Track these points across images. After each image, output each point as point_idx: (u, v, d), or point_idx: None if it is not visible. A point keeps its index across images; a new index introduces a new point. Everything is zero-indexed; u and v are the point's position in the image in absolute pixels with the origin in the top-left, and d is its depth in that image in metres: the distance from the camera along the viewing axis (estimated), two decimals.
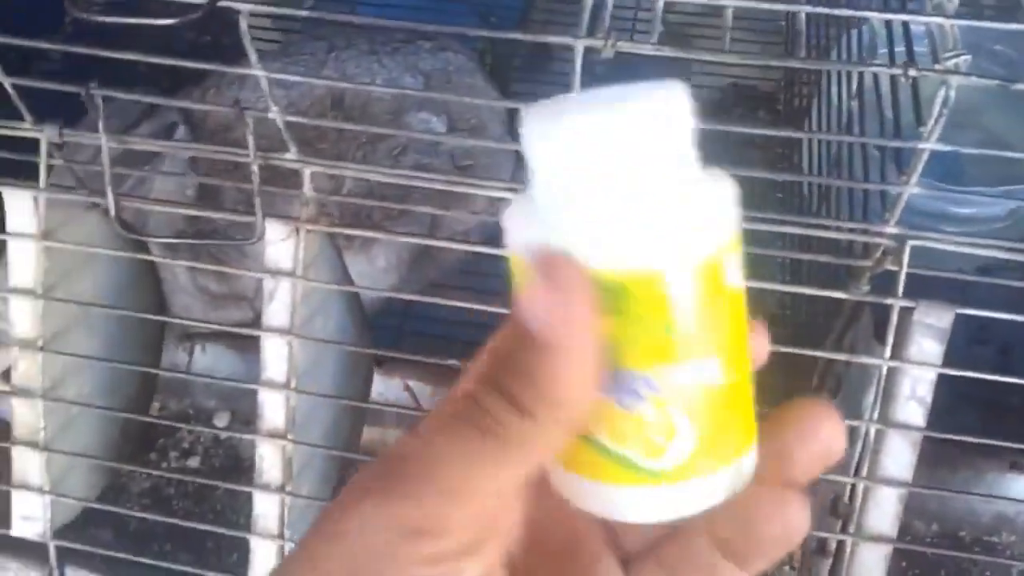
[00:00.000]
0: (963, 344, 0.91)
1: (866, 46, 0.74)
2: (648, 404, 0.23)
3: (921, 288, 0.55)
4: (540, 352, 0.23)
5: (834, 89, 0.80)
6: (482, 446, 0.23)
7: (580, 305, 0.22)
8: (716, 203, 0.23)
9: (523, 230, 0.24)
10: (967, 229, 0.86)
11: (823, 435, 0.25)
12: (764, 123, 1.33)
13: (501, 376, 0.24)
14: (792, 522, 0.25)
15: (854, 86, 0.69)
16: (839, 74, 0.76)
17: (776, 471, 0.25)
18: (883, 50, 0.58)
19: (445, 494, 0.23)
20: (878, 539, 0.55)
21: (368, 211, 0.69)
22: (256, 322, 0.62)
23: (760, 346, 0.26)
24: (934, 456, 0.78)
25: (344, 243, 0.72)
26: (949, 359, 0.53)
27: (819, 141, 0.83)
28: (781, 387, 0.87)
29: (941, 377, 0.53)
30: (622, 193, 0.22)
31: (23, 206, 0.60)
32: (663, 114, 0.23)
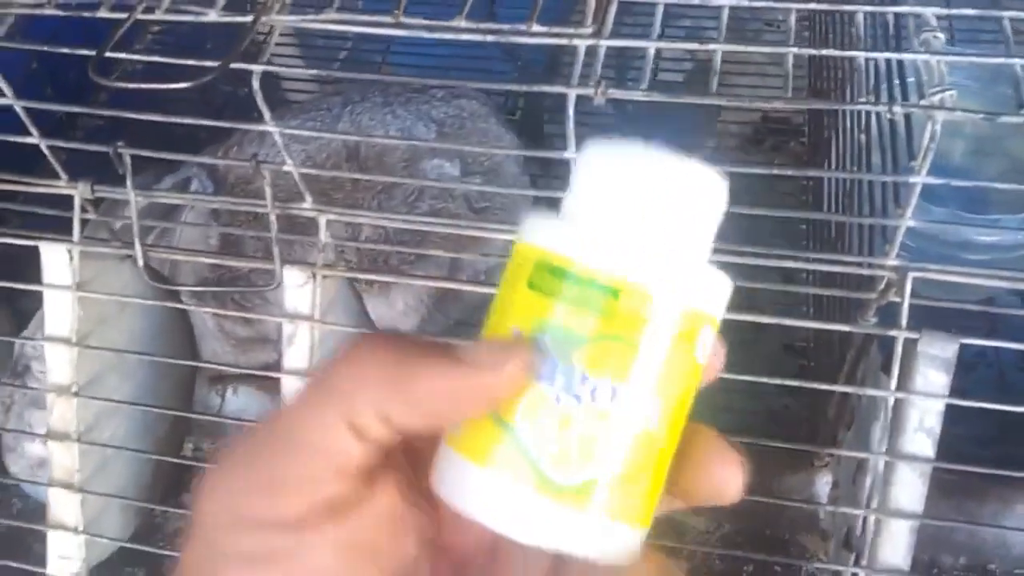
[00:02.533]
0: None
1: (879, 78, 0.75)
2: (583, 410, 0.23)
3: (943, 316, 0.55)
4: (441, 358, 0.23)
5: (849, 122, 0.80)
6: (314, 400, 0.23)
7: (512, 367, 0.23)
8: (716, 278, 0.25)
9: (544, 228, 0.25)
10: (990, 256, 0.85)
11: (717, 477, 0.24)
12: (794, 154, 1.34)
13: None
14: None
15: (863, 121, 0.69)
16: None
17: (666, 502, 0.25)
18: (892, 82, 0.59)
19: (276, 450, 0.23)
20: (891, 571, 0.55)
21: (386, 255, 0.71)
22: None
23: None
24: (962, 487, 0.77)
25: (363, 287, 0.74)
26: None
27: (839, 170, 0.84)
28: (807, 417, 0.87)
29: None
30: (650, 223, 0.24)
31: (59, 259, 0.64)
32: (708, 190, 0.25)
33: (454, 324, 0.92)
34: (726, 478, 0.24)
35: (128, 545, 0.72)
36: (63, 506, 0.67)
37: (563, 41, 0.49)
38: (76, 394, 0.65)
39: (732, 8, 0.50)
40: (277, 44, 0.54)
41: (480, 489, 0.24)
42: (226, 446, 0.24)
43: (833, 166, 0.86)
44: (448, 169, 0.75)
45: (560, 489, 0.23)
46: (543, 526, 0.23)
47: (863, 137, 0.69)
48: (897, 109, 0.45)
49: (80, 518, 0.66)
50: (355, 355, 0.24)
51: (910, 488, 0.55)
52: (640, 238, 0.24)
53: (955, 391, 0.54)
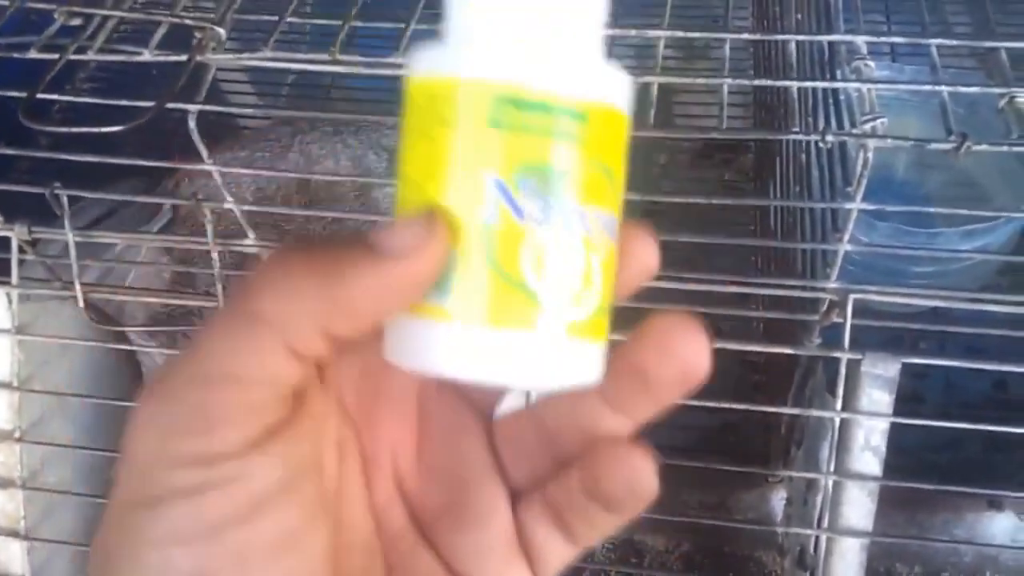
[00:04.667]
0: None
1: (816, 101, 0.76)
2: (580, 243, 0.22)
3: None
4: (368, 253, 0.22)
5: (791, 141, 0.81)
6: (246, 330, 0.22)
7: (437, 245, 0.21)
8: (625, 78, 0.23)
9: (490, 58, 0.22)
10: (936, 268, 0.87)
11: (682, 352, 0.23)
12: (743, 168, 1.36)
13: (295, 253, 0.22)
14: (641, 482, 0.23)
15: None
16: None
17: (635, 391, 0.24)
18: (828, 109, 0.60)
19: (209, 385, 0.22)
20: None
21: None
22: None
23: (649, 256, 0.24)
24: (913, 498, 0.78)
25: None
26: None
27: (782, 192, 0.85)
28: (763, 429, 0.88)
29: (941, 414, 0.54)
30: (566, 34, 0.23)
31: None
32: None
33: None
34: (693, 353, 0.23)
35: None
36: (9, 554, 0.66)
37: None
38: (19, 439, 0.64)
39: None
40: (224, 70, 0.54)
41: (483, 347, 0.22)
42: (148, 385, 0.23)
43: (778, 182, 0.87)
44: None
45: (574, 325, 0.22)
46: (556, 369, 0.22)
47: (804, 156, 0.69)
48: (830, 138, 0.45)
49: (27, 566, 0.65)
50: (275, 275, 0.22)
51: (859, 506, 0.55)
52: (577, 54, 0.22)
53: (907, 397, 0.55)
